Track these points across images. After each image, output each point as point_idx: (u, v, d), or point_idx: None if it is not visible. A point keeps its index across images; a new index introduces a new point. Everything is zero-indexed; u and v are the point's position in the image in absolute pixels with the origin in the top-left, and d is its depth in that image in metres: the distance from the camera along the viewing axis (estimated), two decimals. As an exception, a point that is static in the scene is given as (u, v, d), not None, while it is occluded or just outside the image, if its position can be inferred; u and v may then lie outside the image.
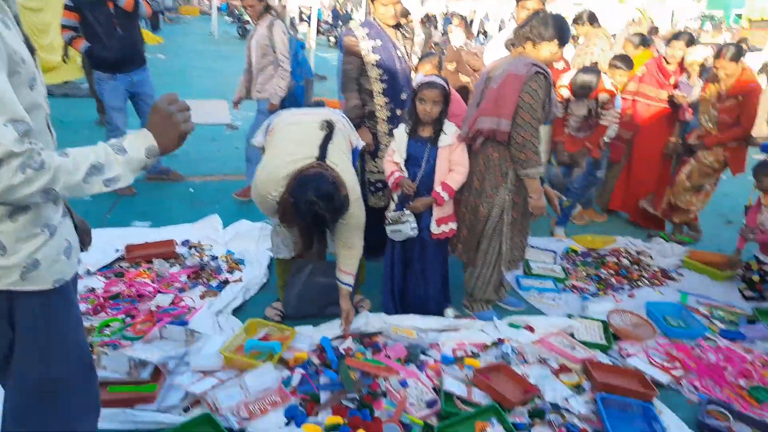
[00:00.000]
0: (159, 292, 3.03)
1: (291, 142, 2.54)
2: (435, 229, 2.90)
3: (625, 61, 4.46)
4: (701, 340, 3.00)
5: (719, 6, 25.81)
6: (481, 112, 2.81)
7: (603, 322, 3.09)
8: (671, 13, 24.18)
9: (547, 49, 2.76)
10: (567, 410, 2.33)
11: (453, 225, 2.97)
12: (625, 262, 3.98)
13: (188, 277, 3.23)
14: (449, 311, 3.10)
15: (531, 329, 2.98)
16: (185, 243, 3.65)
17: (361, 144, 2.97)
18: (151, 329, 2.59)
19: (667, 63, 4.50)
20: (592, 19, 4.96)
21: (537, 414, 2.27)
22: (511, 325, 3.00)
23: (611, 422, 2.21)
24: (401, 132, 2.90)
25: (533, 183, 2.81)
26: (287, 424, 2.11)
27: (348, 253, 2.70)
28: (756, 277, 3.60)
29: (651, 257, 4.13)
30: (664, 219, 4.60)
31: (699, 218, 4.58)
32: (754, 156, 5.16)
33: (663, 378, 2.65)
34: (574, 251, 4.13)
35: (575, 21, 5.04)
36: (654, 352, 2.87)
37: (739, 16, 22.30)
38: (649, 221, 4.71)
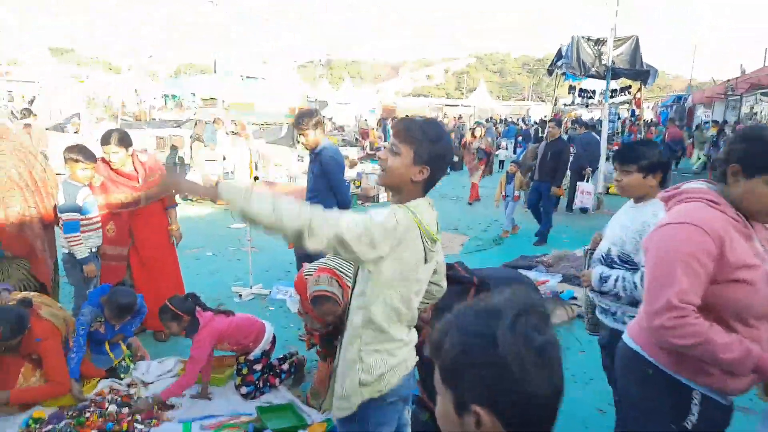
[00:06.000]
0: None
1: None
2: None
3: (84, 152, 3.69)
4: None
5: (177, 86, 28.34)
6: None
7: None
8: (135, 91, 25.02)
9: None
10: None
11: None
12: (112, 407, 3.12)
13: None
14: None
15: None
16: None
17: None
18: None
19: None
20: None
21: None
22: None
23: None
24: None
25: None
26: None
27: None
28: (245, 370, 3.37)
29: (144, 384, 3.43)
30: None
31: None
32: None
33: None
34: (38, 420, 2.97)
35: None
36: None
37: (194, 94, 24.98)
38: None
